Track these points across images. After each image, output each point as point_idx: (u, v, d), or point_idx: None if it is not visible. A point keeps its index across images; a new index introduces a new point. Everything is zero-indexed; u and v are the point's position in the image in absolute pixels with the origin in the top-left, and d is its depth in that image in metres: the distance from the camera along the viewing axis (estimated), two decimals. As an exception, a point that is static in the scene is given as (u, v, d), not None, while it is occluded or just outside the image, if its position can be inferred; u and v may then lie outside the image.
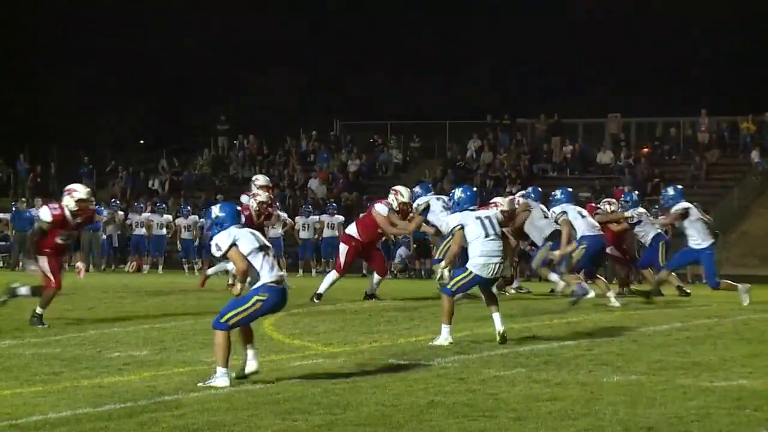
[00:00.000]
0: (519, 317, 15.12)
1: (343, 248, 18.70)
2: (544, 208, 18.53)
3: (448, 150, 43.19)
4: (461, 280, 12.37)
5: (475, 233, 12.40)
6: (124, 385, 9.67)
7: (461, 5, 54.15)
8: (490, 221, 12.53)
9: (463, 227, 12.44)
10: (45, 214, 14.56)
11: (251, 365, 10.06)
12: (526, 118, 43.95)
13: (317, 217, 31.97)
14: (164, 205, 34.99)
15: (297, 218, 31.27)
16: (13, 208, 33.86)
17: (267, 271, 9.91)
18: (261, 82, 54.63)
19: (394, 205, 18.50)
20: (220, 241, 9.96)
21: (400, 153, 42.89)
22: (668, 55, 51.04)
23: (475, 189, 13.32)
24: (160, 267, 32.36)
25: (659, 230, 20.22)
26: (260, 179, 19.39)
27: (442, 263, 12.82)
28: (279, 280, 10.00)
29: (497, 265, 12.31)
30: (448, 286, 12.37)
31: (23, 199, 35.73)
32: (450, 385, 9.71)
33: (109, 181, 44.31)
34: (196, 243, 31.89)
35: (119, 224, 33.61)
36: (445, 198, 19.07)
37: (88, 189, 15.26)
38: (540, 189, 20.50)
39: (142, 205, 34.97)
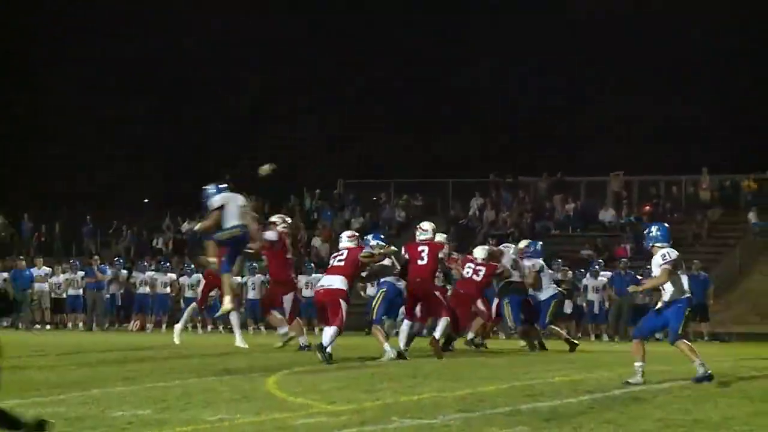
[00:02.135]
0: (521, 374, 15.13)
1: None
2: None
3: (451, 208, 43.30)
4: None
5: None
6: (128, 444, 9.69)
7: (461, 5, 54.22)
8: None
9: None
10: None
11: None
12: (529, 176, 44.12)
13: (320, 275, 31.94)
14: (168, 264, 35.07)
15: (300, 277, 31.28)
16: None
17: None
18: (261, 83, 54.72)
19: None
20: None
21: (402, 211, 42.98)
22: (668, 55, 51.15)
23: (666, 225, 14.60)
24: (164, 326, 32.36)
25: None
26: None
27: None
28: None
29: None
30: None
31: (20, 258, 35.96)
32: (452, 443, 9.73)
33: (112, 240, 44.41)
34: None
35: (123, 283, 33.70)
36: None
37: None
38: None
39: (146, 263, 35.08)
